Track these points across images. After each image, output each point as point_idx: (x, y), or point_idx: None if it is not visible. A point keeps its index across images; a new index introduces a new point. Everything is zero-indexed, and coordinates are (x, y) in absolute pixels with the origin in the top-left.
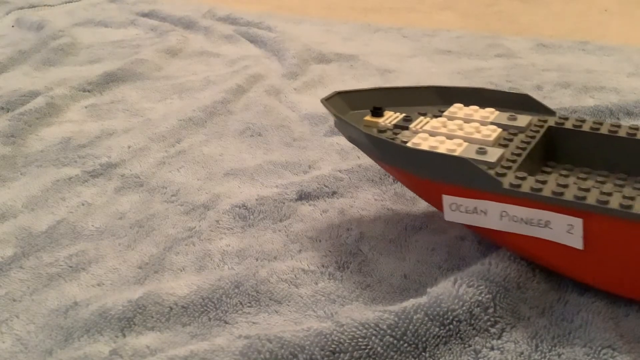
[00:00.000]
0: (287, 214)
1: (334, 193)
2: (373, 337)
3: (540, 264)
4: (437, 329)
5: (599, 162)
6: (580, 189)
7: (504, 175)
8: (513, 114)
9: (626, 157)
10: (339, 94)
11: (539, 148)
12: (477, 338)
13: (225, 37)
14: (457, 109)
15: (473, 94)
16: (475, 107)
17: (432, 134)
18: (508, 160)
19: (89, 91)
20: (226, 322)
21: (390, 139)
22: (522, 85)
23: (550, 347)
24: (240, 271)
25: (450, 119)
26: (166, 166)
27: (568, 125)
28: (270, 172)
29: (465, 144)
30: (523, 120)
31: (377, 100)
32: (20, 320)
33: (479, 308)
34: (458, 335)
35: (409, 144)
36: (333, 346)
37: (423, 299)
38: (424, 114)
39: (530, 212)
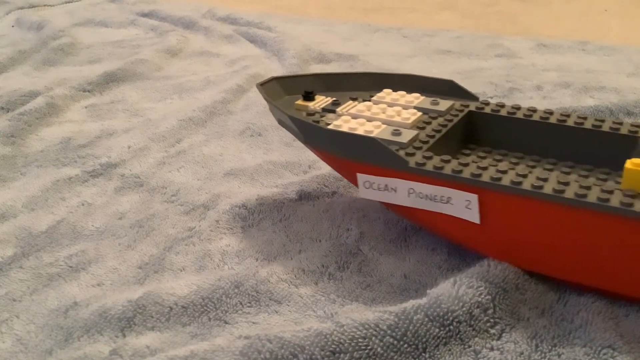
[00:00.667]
0: (287, 214)
1: (334, 193)
2: (373, 338)
3: (445, 238)
4: (437, 330)
5: (515, 145)
6: (478, 167)
7: (412, 155)
8: (436, 99)
9: (539, 140)
10: (276, 79)
11: (457, 131)
12: (476, 339)
13: (225, 37)
14: (386, 94)
15: (402, 80)
16: (403, 93)
17: (355, 116)
18: (421, 141)
19: (89, 91)
20: (226, 322)
21: (315, 121)
22: (522, 85)
23: (550, 347)
24: (240, 271)
25: (377, 103)
26: (166, 166)
27: (487, 110)
28: (270, 172)
29: (384, 126)
30: (444, 104)
31: (312, 85)
32: (20, 320)
33: (478, 309)
34: (458, 335)
35: (330, 126)
36: (333, 346)
37: (423, 300)
38: (355, 99)
39: (434, 189)
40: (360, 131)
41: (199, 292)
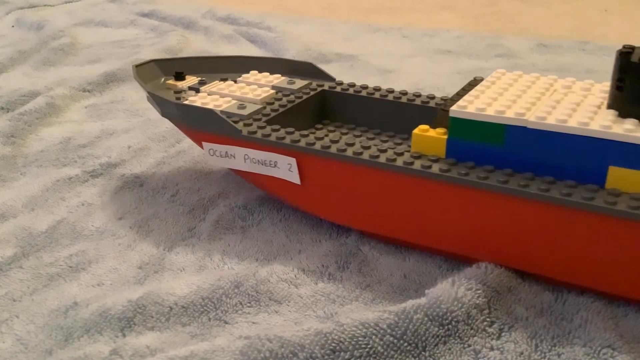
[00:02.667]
0: (287, 214)
1: None
2: (373, 337)
3: (279, 199)
4: (436, 329)
5: (361, 120)
6: (300, 134)
7: (249, 125)
8: (293, 79)
9: (379, 115)
10: (154, 61)
11: (308, 107)
12: (475, 338)
13: (225, 37)
14: (252, 75)
15: (268, 63)
16: (267, 74)
17: (211, 93)
18: (263, 114)
19: (89, 91)
20: (226, 322)
21: (178, 98)
22: None
23: (550, 347)
24: (240, 271)
25: (239, 82)
26: (166, 166)
27: (338, 89)
28: None
29: (234, 101)
30: (299, 84)
31: (189, 67)
32: (20, 320)
33: (475, 309)
34: (457, 334)
35: (186, 101)
36: (333, 345)
37: (422, 300)
38: (226, 79)
39: (264, 155)
40: (210, 105)
41: (199, 292)
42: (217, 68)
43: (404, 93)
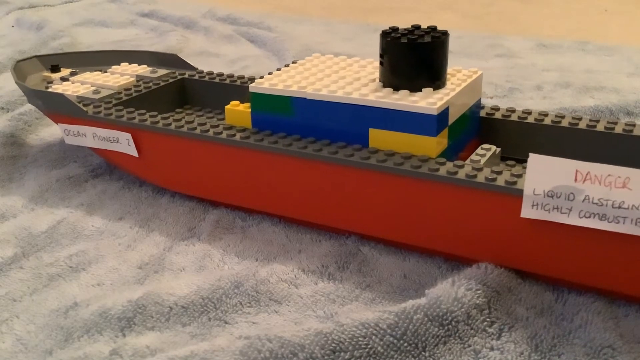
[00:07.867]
0: None
1: None
2: (373, 337)
3: (127, 172)
4: (436, 329)
5: (215, 104)
6: (138, 114)
7: (99, 107)
8: (156, 69)
9: (230, 99)
10: (37, 57)
11: (167, 93)
12: (475, 338)
13: (225, 37)
14: (121, 66)
15: (138, 56)
16: (135, 65)
17: (75, 82)
18: (116, 98)
19: None
20: (226, 322)
21: (47, 87)
22: (522, 85)
23: (550, 347)
24: (240, 271)
25: (106, 72)
26: None
27: (196, 77)
28: None
29: (92, 88)
30: (161, 73)
31: (67, 62)
32: (20, 320)
33: (475, 310)
34: (457, 334)
35: (50, 89)
36: (333, 345)
37: (422, 300)
38: (100, 70)
39: (107, 132)
40: (69, 91)
41: (199, 292)
42: (93, 61)
43: (252, 79)
